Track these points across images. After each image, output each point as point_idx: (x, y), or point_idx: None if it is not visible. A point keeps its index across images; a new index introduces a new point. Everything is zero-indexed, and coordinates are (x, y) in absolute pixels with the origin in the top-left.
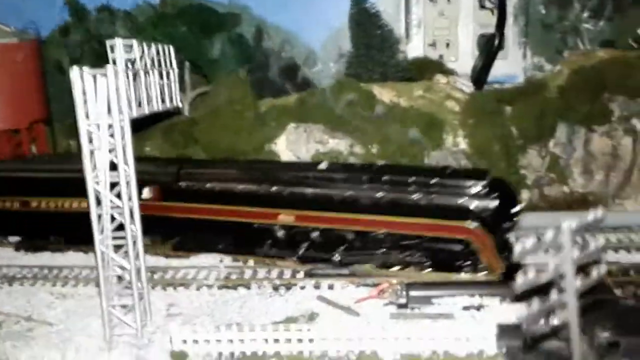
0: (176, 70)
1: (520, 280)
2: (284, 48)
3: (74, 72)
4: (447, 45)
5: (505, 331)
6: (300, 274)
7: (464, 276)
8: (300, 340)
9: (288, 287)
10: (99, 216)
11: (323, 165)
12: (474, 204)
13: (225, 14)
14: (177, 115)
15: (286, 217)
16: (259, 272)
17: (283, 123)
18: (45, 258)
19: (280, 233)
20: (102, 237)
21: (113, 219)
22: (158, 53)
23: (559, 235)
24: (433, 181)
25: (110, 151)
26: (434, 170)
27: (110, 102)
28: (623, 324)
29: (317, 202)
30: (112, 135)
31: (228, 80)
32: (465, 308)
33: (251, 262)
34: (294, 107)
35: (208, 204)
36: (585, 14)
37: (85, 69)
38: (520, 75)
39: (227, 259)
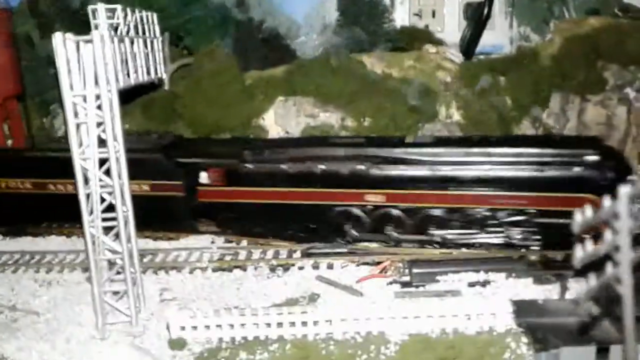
0: (160, 39)
1: (579, 255)
2: (265, 19)
3: (57, 39)
4: (433, 14)
5: (523, 308)
6: (297, 254)
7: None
8: (304, 324)
9: (286, 267)
10: (87, 196)
11: (410, 139)
12: (590, 174)
13: None
14: (157, 88)
15: (375, 196)
16: (253, 253)
17: (271, 96)
18: (26, 243)
19: (366, 215)
20: (91, 218)
21: (102, 200)
22: (142, 20)
23: (615, 203)
24: (544, 151)
25: (98, 125)
26: (538, 139)
27: (98, 71)
28: None
29: (412, 180)
30: (99, 108)
31: (211, 51)
32: (471, 284)
33: (245, 243)
34: (282, 79)
35: (279, 187)
36: None
37: (69, 35)
38: (506, 45)
39: (219, 240)
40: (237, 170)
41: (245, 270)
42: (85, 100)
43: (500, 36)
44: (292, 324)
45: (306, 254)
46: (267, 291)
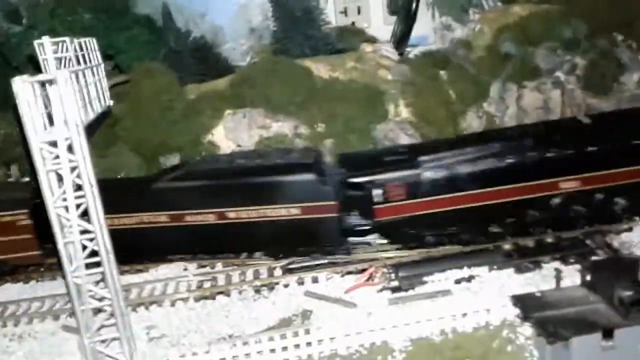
0: (102, 65)
1: None
2: (188, 27)
3: (18, 83)
4: (359, 11)
5: (525, 303)
6: (278, 271)
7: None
8: (309, 344)
9: (270, 287)
10: (67, 245)
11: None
12: None
13: None
14: (107, 116)
15: (569, 183)
16: (232, 276)
17: (219, 111)
18: None
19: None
20: (74, 267)
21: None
22: (81, 48)
23: None
24: None
25: (72, 170)
26: None
27: (66, 112)
28: None
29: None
30: (69, 151)
31: (148, 69)
32: (457, 281)
33: (220, 266)
34: (228, 92)
35: (462, 190)
36: None
37: (27, 77)
38: (431, 35)
39: (192, 267)
40: (417, 182)
41: (229, 295)
42: (54, 145)
43: (424, 27)
44: (297, 346)
45: (287, 270)
46: (257, 314)
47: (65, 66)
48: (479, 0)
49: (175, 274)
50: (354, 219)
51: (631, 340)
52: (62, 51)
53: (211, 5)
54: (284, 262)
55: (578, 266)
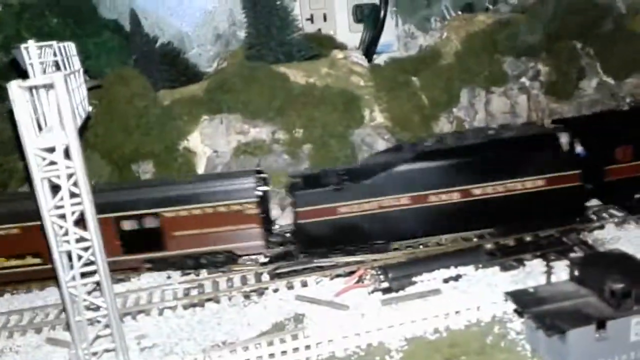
0: (82, 70)
1: None
2: (154, 33)
3: (14, 88)
4: (325, 18)
5: (520, 298)
6: (265, 277)
7: None
8: (308, 347)
9: (260, 292)
10: (61, 254)
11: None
12: None
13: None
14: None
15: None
16: (220, 282)
17: (195, 117)
18: None
19: None
20: (70, 276)
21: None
22: (61, 53)
23: None
24: None
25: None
26: None
27: (63, 117)
28: (632, 275)
29: None
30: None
31: (119, 73)
32: (446, 280)
33: (205, 274)
34: (205, 98)
35: None
36: None
37: (23, 82)
38: (394, 43)
39: (175, 275)
40: None
41: (218, 302)
42: (50, 151)
43: (388, 35)
44: (296, 349)
45: (275, 275)
46: (250, 320)
47: (45, 72)
48: (439, 9)
49: (158, 282)
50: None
51: (622, 330)
52: (44, 56)
53: (176, 11)
54: (270, 267)
55: (560, 262)
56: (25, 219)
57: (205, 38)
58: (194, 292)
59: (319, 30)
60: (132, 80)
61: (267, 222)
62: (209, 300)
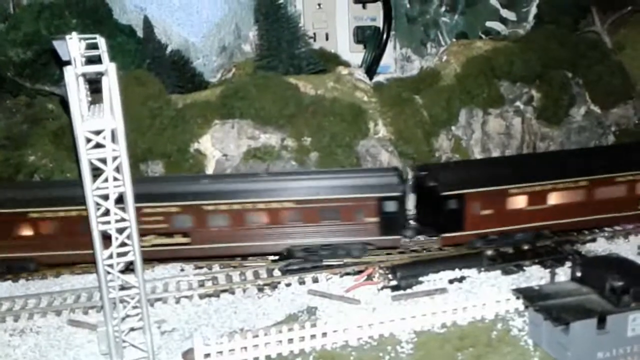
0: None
1: None
2: (162, 40)
3: (70, 73)
4: (327, 37)
5: (528, 294)
6: (277, 272)
7: None
8: (324, 334)
9: (273, 286)
10: (103, 232)
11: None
12: None
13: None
14: None
15: None
16: (233, 276)
17: (207, 120)
18: None
19: None
20: (107, 254)
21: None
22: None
23: None
24: None
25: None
26: None
27: (113, 103)
28: (629, 275)
29: None
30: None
31: (136, 75)
32: (451, 281)
33: (217, 267)
34: (218, 103)
35: None
36: (443, 9)
37: (78, 68)
38: (392, 65)
39: (188, 267)
40: None
41: (233, 293)
42: (98, 134)
43: (386, 57)
44: (313, 336)
45: (286, 271)
46: (265, 310)
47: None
48: (435, 35)
49: (171, 274)
50: None
51: (620, 324)
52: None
53: (184, 21)
54: (281, 263)
55: (556, 269)
56: (184, 199)
57: (210, 49)
58: (209, 284)
59: (321, 48)
60: (148, 82)
61: None
62: (224, 291)
